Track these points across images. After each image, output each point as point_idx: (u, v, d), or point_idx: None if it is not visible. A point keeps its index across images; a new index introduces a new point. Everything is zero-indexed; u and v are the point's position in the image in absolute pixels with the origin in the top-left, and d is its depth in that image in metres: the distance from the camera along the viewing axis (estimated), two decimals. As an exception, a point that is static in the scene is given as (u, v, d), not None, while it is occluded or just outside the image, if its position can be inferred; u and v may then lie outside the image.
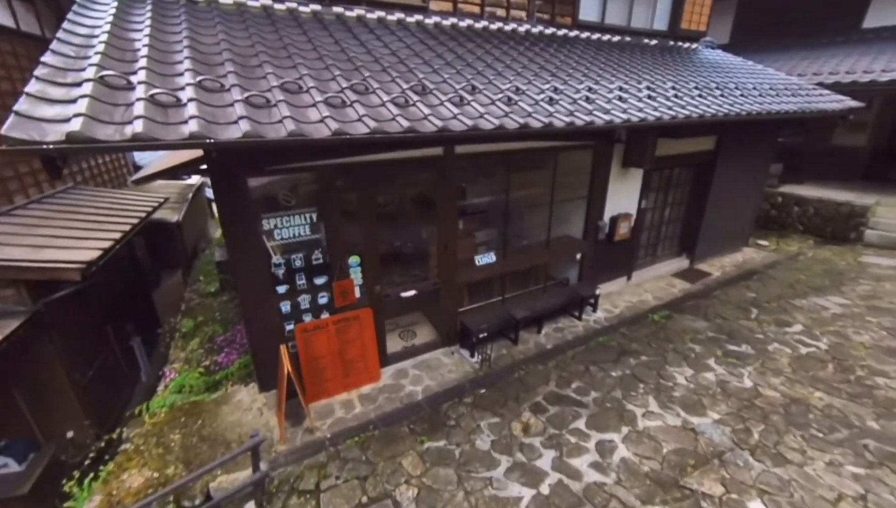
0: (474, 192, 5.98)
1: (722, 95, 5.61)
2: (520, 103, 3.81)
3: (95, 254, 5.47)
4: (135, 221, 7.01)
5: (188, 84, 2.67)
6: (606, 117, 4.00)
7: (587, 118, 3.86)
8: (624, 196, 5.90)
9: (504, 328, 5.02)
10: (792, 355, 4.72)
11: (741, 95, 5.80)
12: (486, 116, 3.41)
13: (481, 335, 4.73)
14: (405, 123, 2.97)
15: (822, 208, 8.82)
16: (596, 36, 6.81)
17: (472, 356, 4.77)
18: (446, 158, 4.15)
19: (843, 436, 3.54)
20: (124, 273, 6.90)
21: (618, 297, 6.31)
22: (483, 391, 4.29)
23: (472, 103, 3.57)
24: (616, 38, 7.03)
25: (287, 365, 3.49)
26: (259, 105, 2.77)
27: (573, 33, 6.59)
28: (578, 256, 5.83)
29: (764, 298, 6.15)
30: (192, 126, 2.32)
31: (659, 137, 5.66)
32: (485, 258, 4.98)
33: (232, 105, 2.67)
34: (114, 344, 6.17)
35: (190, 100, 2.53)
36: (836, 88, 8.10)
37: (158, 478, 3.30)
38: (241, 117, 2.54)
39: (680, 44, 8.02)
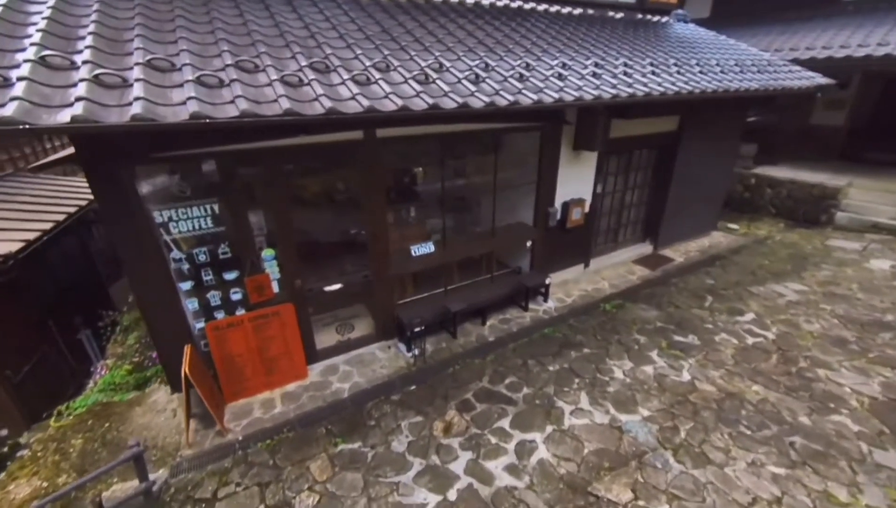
0: (409, 179, 5.68)
1: (679, 72, 5.29)
2: (438, 82, 3.50)
3: (16, 246, 5.17)
4: (72, 210, 6.69)
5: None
6: (534, 97, 3.70)
7: (511, 98, 3.56)
8: (577, 181, 5.63)
9: (443, 321, 4.82)
10: (737, 346, 4.56)
11: (700, 72, 5.48)
12: (391, 95, 3.10)
13: (417, 329, 4.54)
14: (327, 104, 2.69)
15: (795, 189, 8.61)
16: (555, 8, 6.41)
17: (409, 350, 4.58)
18: (368, 142, 3.85)
19: (771, 433, 3.41)
20: (71, 264, 6.61)
21: (573, 285, 6.11)
22: (413, 387, 4.12)
23: (380, 82, 3.26)
24: (577, 11, 6.64)
25: (186, 366, 3.27)
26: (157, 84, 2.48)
27: (529, 5, 6.18)
28: (529, 244, 5.60)
29: (721, 285, 5.98)
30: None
31: (612, 117, 5.38)
32: (422, 249, 4.73)
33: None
34: (57, 338, 5.95)
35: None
36: (812, 64, 7.77)
37: (48, 488, 3.12)
38: (138, 99, 2.27)
39: (649, 17, 7.61)
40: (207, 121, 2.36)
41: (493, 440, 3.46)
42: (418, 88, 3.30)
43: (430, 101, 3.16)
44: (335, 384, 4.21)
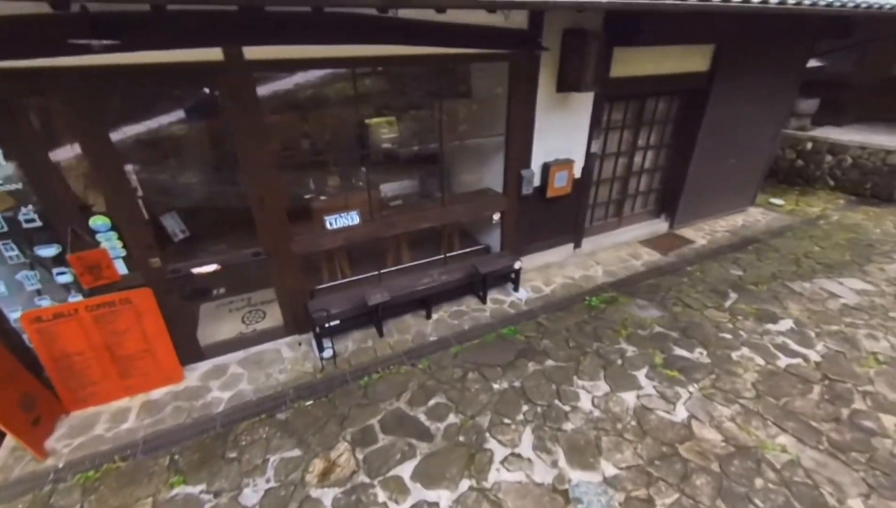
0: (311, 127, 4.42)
1: None
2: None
3: None
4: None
5: None
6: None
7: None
8: (562, 136, 4.26)
9: (369, 314, 3.76)
10: (763, 369, 3.28)
11: None
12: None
13: (330, 324, 3.51)
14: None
15: (863, 157, 6.80)
16: None
17: (321, 350, 3.58)
18: (231, 67, 2.69)
19: (801, 525, 2.22)
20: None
21: (557, 271, 4.88)
22: (310, 402, 3.14)
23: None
24: None
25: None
26: None
27: None
28: (496, 217, 4.36)
29: (752, 278, 4.58)
30: None
31: (614, 44, 3.93)
32: (341, 219, 3.61)
33: None
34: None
35: None
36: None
37: None
38: None
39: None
40: None
41: (382, 496, 2.44)
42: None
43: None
44: (214, 391, 3.28)
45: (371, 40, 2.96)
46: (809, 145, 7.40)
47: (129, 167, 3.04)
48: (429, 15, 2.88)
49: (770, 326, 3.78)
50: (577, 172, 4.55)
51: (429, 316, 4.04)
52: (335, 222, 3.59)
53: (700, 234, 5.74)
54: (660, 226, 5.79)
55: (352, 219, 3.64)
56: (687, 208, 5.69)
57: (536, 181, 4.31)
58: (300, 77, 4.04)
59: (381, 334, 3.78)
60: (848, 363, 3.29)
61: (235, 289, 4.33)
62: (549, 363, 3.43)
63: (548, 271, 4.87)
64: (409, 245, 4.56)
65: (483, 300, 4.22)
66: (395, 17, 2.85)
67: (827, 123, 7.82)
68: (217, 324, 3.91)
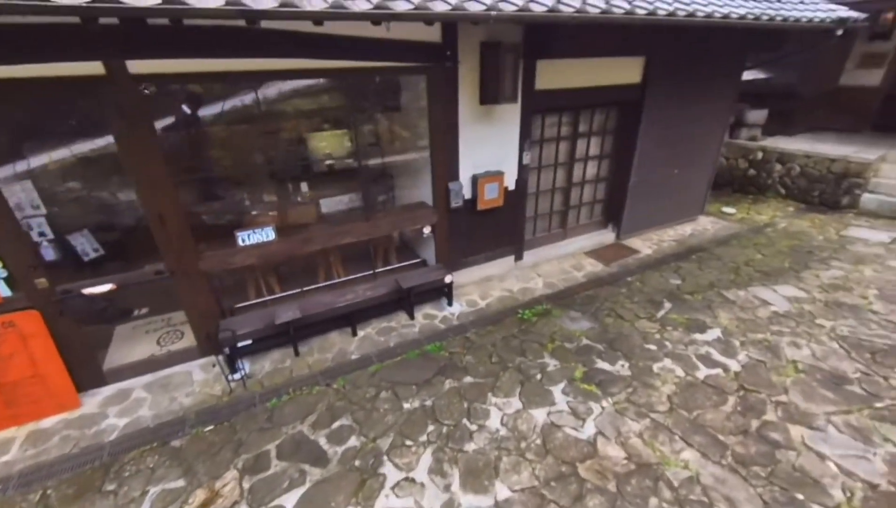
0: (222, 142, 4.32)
1: None
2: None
3: None
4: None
5: None
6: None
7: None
8: (491, 147, 4.25)
9: (286, 333, 3.63)
10: (681, 380, 3.21)
11: None
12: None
13: (240, 345, 3.38)
14: None
15: (811, 165, 6.91)
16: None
17: (232, 372, 3.43)
18: (114, 82, 2.61)
19: (688, 547, 2.11)
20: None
21: (497, 284, 4.80)
22: (210, 428, 2.98)
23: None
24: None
25: None
26: None
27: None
28: (427, 230, 4.30)
29: (689, 287, 4.55)
30: None
31: (536, 56, 3.96)
32: (255, 236, 3.52)
33: None
34: None
35: None
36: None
37: None
38: None
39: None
40: None
41: (258, 529, 2.29)
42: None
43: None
44: (110, 418, 3.11)
45: (271, 53, 2.93)
46: (760, 155, 7.51)
47: (19, 185, 2.95)
48: (337, 28, 2.86)
49: (697, 335, 3.73)
50: (511, 184, 4.53)
51: (354, 333, 3.92)
52: (248, 238, 3.49)
53: (647, 244, 5.74)
54: (607, 236, 5.78)
55: (266, 235, 3.55)
56: (632, 218, 5.70)
57: (467, 194, 4.27)
58: (207, 91, 3.96)
59: (296, 353, 3.64)
60: (767, 372, 3.23)
61: (160, 309, 4.18)
62: (468, 379, 3.32)
63: (487, 284, 4.80)
64: (342, 261, 4.47)
65: (411, 316, 4.11)
66: (296, 31, 2.83)
67: (778, 133, 7.97)
68: (130, 346, 3.75)
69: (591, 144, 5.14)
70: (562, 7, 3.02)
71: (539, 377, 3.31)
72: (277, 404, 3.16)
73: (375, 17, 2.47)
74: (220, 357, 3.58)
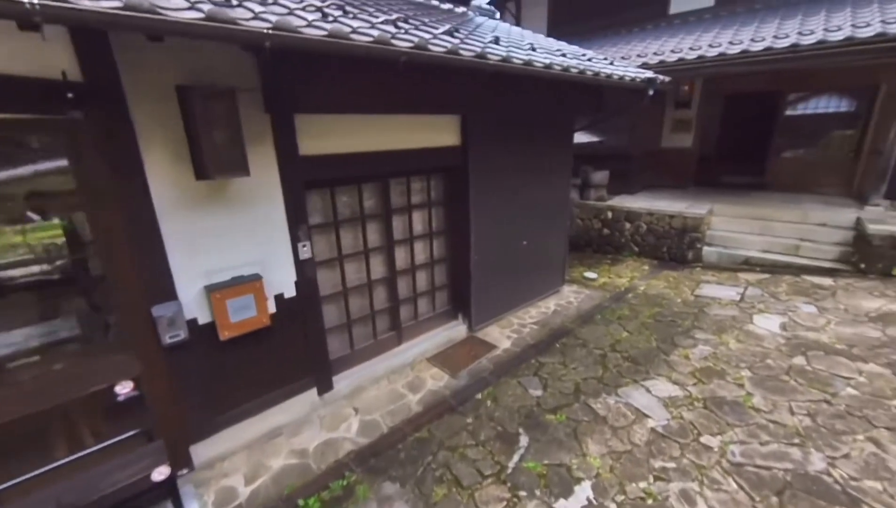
0: None
1: (454, 34, 2.84)
2: None
3: None
4: None
5: None
6: None
7: None
8: (238, 242, 2.75)
9: None
10: None
11: (493, 43, 3.13)
12: None
13: None
14: None
15: (654, 222, 6.87)
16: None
17: None
18: None
19: None
20: None
21: (285, 442, 3.10)
22: None
23: None
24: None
25: None
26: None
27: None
28: (123, 390, 2.49)
29: (552, 399, 3.41)
30: None
31: (289, 110, 2.70)
32: None
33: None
34: None
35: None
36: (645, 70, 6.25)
37: None
38: None
39: (438, 4, 5.51)
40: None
41: None
42: None
43: None
44: None
45: None
46: (610, 214, 7.40)
47: None
48: None
49: (561, 503, 2.45)
50: (289, 290, 3.04)
51: None
52: None
53: (506, 332, 4.65)
54: (458, 331, 4.56)
55: None
56: (484, 303, 4.61)
57: (199, 316, 2.64)
58: None
59: None
60: (661, 578, 2.02)
61: None
62: None
63: (268, 446, 3.06)
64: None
65: (56, 582, 2.13)
66: None
67: (622, 193, 8.11)
68: None
69: (413, 220, 4.01)
70: (310, 30, 1.80)
71: None
72: None
73: None
74: None
